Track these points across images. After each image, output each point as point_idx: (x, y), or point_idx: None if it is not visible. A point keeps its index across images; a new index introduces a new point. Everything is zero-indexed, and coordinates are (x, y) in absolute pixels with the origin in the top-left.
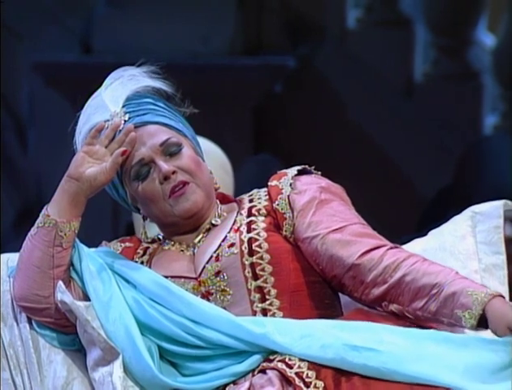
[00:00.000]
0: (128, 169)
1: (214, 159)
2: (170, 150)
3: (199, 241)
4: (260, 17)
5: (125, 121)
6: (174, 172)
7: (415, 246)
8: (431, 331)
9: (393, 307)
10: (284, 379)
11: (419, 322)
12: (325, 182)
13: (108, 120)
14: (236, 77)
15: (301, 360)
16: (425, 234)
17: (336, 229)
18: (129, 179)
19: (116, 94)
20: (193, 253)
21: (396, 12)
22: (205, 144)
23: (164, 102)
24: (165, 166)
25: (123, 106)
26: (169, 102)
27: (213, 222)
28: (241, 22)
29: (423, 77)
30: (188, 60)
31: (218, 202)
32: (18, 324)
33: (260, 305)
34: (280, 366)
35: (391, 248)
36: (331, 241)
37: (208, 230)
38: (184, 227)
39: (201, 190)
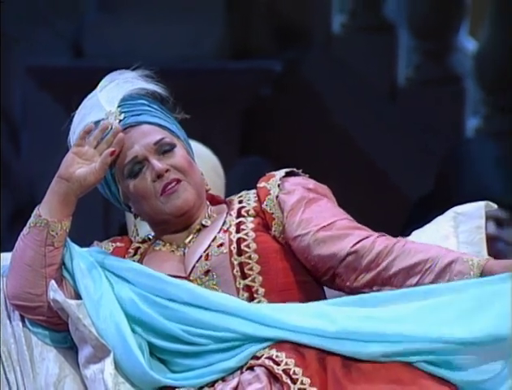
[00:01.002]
0: (121, 167)
1: (205, 162)
2: (163, 149)
3: (189, 242)
4: (248, 22)
5: (120, 120)
6: (167, 170)
7: None
8: (417, 288)
9: (386, 290)
10: (272, 376)
11: None
12: (312, 183)
13: (103, 119)
14: (224, 80)
15: (288, 357)
16: (408, 234)
17: (326, 225)
18: (122, 177)
19: (112, 95)
20: (184, 254)
21: (379, 18)
22: (197, 147)
23: (158, 105)
24: (158, 164)
25: (119, 106)
26: (163, 105)
27: (203, 223)
28: (230, 27)
29: (406, 81)
30: (178, 64)
31: (208, 203)
32: (11, 322)
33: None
34: (268, 362)
35: (379, 236)
36: (322, 237)
37: (198, 230)
38: (175, 225)
39: (192, 188)
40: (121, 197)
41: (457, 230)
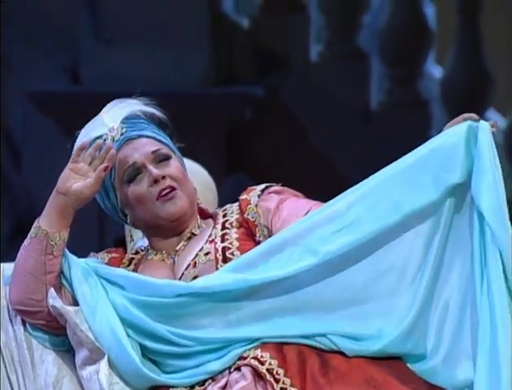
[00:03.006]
0: (121, 173)
1: (198, 178)
2: (159, 158)
3: (179, 249)
4: (231, 51)
5: (122, 134)
6: (163, 177)
7: None
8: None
9: None
10: (257, 375)
11: None
12: (286, 189)
13: (106, 134)
14: (210, 105)
15: (272, 358)
16: None
17: (304, 214)
18: (121, 183)
19: (115, 115)
20: (174, 262)
21: (353, 47)
22: (189, 164)
23: (157, 125)
24: (155, 170)
25: (121, 123)
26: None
27: (193, 231)
28: (215, 55)
29: (378, 105)
30: (167, 89)
31: (198, 216)
32: (13, 327)
33: None
34: (253, 362)
35: None
36: None
37: (189, 238)
38: (168, 230)
39: (186, 198)
40: (119, 205)
41: None
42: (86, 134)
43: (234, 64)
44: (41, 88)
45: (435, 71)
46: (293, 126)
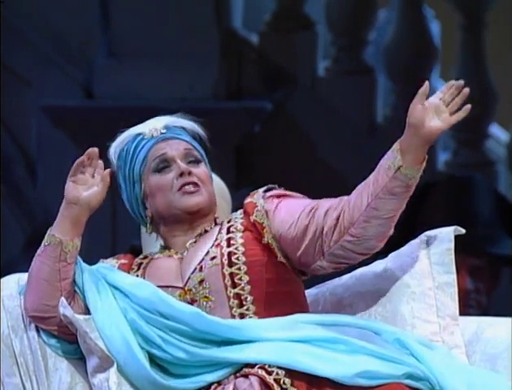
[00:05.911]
0: (150, 162)
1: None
2: (189, 159)
3: (190, 245)
4: (240, 66)
5: (161, 133)
6: (190, 173)
7: (378, 266)
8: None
9: (350, 231)
10: (264, 384)
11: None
12: (286, 191)
13: (145, 132)
14: (219, 119)
15: (280, 368)
16: (386, 256)
17: (299, 213)
18: (149, 172)
19: (156, 121)
20: (182, 257)
21: (360, 62)
22: None
23: (192, 137)
24: (184, 165)
25: (162, 127)
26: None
27: (206, 228)
28: (224, 70)
29: (383, 119)
30: (177, 104)
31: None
32: (27, 335)
33: (238, 310)
34: (261, 372)
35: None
36: (302, 227)
37: (199, 235)
38: (183, 222)
39: (208, 196)
40: (141, 196)
41: (429, 252)
42: (127, 133)
43: (243, 79)
44: (56, 102)
45: (439, 85)
46: (301, 139)
